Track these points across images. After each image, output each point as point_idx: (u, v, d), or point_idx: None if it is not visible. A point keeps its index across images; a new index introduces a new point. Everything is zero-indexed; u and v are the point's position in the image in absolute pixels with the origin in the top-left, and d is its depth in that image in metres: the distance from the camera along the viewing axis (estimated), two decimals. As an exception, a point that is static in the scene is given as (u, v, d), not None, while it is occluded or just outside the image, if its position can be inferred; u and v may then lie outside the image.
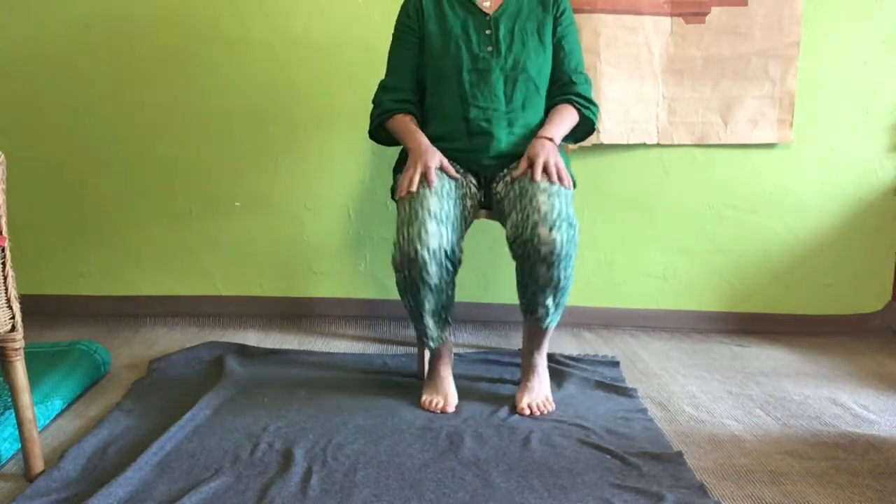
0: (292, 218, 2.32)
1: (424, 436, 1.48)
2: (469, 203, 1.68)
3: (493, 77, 1.72)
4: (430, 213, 1.52)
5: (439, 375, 1.67)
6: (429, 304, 1.54)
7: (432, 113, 1.76)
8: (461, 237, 1.60)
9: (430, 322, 1.58)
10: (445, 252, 1.51)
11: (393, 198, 1.71)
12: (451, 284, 1.57)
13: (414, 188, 1.57)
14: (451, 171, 1.66)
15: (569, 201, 1.55)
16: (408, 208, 1.54)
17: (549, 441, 1.46)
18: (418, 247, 1.47)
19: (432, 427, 1.52)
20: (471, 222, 1.73)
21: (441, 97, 1.75)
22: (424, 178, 1.59)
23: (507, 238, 1.55)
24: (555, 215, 1.48)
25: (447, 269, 1.53)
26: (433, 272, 1.49)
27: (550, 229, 1.45)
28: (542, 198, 1.52)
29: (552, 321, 1.57)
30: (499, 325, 2.32)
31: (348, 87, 2.21)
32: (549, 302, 1.54)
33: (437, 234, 1.49)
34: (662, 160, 2.28)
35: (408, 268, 1.49)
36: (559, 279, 1.49)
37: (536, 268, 1.49)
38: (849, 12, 2.19)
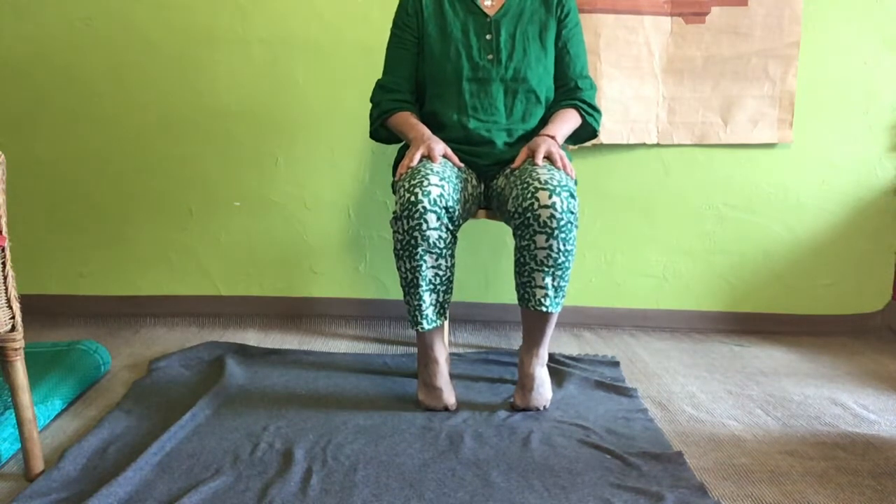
0: (292, 218, 2.32)
1: (424, 436, 1.48)
2: (470, 189, 1.67)
3: (493, 88, 1.72)
4: (432, 171, 1.53)
5: (434, 361, 1.61)
6: (425, 269, 1.51)
7: (431, 119, 1.76)
8: (461, 211, 1.59)
9: (425, 297, 1.55)
10: (446, 206, 1.50)
11: (394, 192, 1.70)
12: (449, 254, 1.55)
13: (414, 164, 1.57)
14: (455, 159, 1.66)
15: (569, 179, 1.55)
16: (409, 173, 1.54)
17: (549, 441, 1.46)
18: (419, 193, 1.47)
19: (432, 427, 1.52)
20: (472, 211, 1.72)
21: (440, 104, 1.75)
22: (427, 158, 1.59)
23: (509, 212, 1.54)
24: (555, 182, 1.48)
25: (446, 226, 1.51)
26: (432, 222, 1.48)
27: (550, 194, 1.46)
28: (541, 170, 1.53)
29: (552, 305, 1.53)
30: (499, 325, 2.32)
31: (348, 87, 2.21)
32: (548, 282, 1.51)
33: (438, 185, 1.50)
34: (662, 160, 2.28)
35: (406, 217, 1.47)
36: (558, 252, 1.48)
37: (535, 238, 1.48)
38: (849, 12, 2.19)
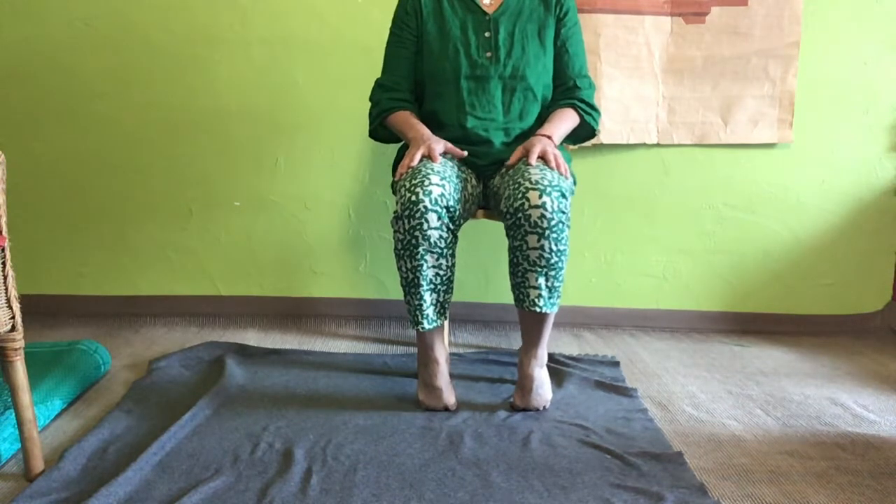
0: (292, 218, 2.32)
1: (424, 436, 1.48)
2: (470, 189, 1.67)
3: (492, 85, 1.72)
4: (433, 170, 1.53)
5: (434, 361, 1.61)
6: (426, 269, 1.51)
7: (431, 118, 1.76)
8: (462, 211, 1.59)
9: (426, 297, 1.55)
10: (447, 206, 1.50)
11: (394, 192, 1.70)
12: (450, 254, 1.55)
13: (415, 164, 1.57)
14: (457, 151, 1.66)
15: (562, 179, 1.54)
16: (409, 173, 1.54)
17: (549, 441, 1.46)
18: (420, 193, 1.47)
19: (432, 427, 1.52)
20: (472, 211, 1.72)
21: (439, 103, 1.75)
22: (427, 158, 1.59)
23: (502, 212, 1.54)
24: (546, 182, 1.48)
25: (447, 225, 1.51)
26: (433, 222, 1.48)
27: (541, 194, 1.45)
28: (533, 170, 1.53)
29: (546, 306, 1.53)
30: (499, 325, 2.32)
31: (348, 87, 2.21)
32: (541, 282, 1.51)
33: (439, 185, 1.50)
34: (662, 160, 2.28)
35: (407, 217, 1.47)
36: (550, 252, 1.48)
37: (527, 238, 1.48)
38: (849, 12, 2.19)
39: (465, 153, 1.68)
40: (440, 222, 1.49)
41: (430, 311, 1.56)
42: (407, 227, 1.48)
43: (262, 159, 2.28)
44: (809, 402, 1.74)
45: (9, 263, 1.21)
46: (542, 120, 1.77)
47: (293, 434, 1.47)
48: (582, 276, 2.34)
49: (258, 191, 2.30)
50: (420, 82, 1.79)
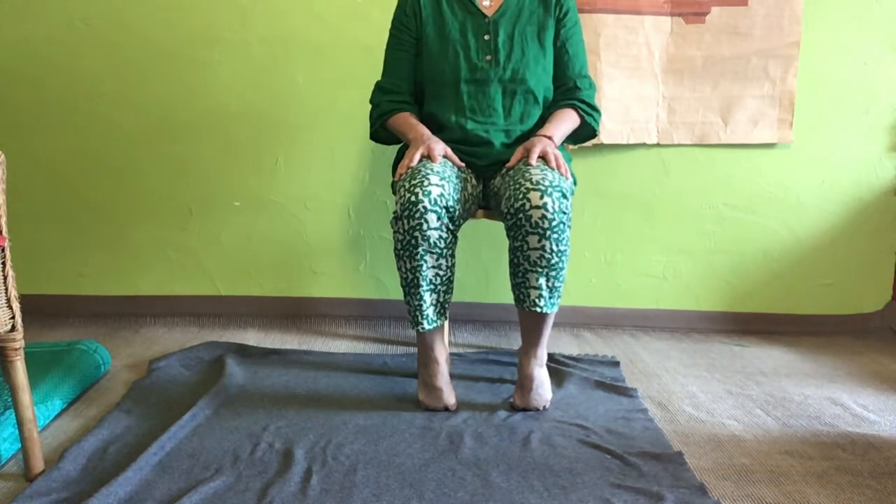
0: (292, 218, 2.32)
1: (424, 436, 1.48)
2: (470, 189, 1.67)
3: (492, 89, 1.71)
4: (432, 170, 1.53)
5: (434, 361, 1.61)
6: (426, 269, 1.51)
7: (430, 120, 1.76)
8: (462, 211, 1.59)
9: (426, 297, 1.54)
10: (447, 206, 1.50)
11: (394, 192, 1.70)
12: (450, 254, 1.55)
13: (414, 164, 1.57)
14: (455, 159, 1.66)
15: (563, 179, 1.54)
16: (409, 173, 1.54)
17: (549, 441, 1.46)
18: (419, 193, 1.47)
19: (432, 427, 1.52)
20: (472, 211, 1.72)
21: (439, 106, 1.75)
22: (427, 158, 1.59)
23: (502, 213, 1.55)
24: (546, 183, 1.48)
25: (446, 225, 1.51)
26: (432, 222, 1.48)
27: (542, 195, 1.45)
28: (534, 171, 1.52)
29: (547, 306, 1.53)
30: (499, 325, 2.32)
31: (348, 87, 2.21)
32: (542, 282, 1.51)
33: (439, 185, 1.50)
34: (662, 160, 2.28)
35: (407, 217, 1.47)
36: (551, 253, 1.48)
37: (528, 239, 1.48)
38: (849, 12, 2.19)
39: (463, 164, 1.68)
40: (440, 222, 1.49)
41: (429, 311, 1.56)
42: (406, 227, 1.48)
43: (262, 159, 2.28)
44: (809, 402, 1.74)
45: (9, 263, 1.21)
46: (543, 121, 1.76)
47: (293, 434, 1.47)
48: (582, 276, 2.34)
49: (258, 191, 2.30)
50: (420, 84, 1.79)
